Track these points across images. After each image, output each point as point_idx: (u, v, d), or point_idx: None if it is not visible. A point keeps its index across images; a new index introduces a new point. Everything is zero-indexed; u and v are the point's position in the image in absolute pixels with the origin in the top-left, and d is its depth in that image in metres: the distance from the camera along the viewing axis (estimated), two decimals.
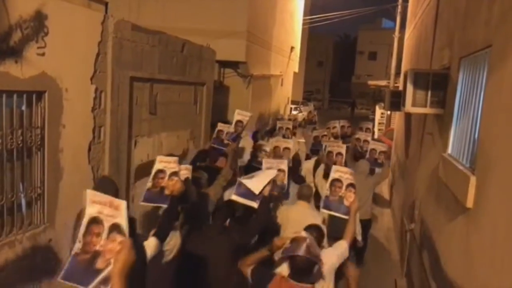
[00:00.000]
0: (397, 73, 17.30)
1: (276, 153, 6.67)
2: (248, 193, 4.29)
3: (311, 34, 31.32)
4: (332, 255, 3.74)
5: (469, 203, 3.15)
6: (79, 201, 4.93)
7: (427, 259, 4.79)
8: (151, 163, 6.50)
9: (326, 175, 5.59)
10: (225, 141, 5.59)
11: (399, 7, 18.93)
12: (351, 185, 4.42)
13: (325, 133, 9.12)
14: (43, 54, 4.11)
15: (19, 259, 4.14)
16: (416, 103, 4.84)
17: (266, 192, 4.20)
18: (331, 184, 4.47)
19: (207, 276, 3.86)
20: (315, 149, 8.34)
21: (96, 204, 2.44)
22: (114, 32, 5.18)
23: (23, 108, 4.12)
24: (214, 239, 3.98)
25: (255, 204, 4.20)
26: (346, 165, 6.30)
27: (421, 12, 8.08)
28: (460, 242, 3.43)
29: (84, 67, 4.83)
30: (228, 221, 4.18)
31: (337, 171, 4.54)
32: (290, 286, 3.17)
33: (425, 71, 5.03)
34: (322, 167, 6.39)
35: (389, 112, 17.46)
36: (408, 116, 8.64)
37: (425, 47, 6.92)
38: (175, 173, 4.48)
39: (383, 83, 22.24)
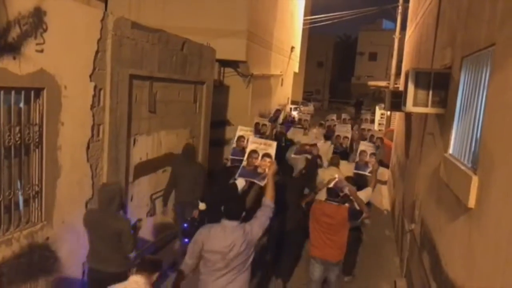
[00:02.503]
0: (397, 74, 17.28)
1: (302, 150, 7.83)
2: (251, 174, 5.02)
3: (312, 34, 31.32)
4: (361, 193, 5.85)
5: (471, 203, 3.12)
6: (77, 199, 4.91)
7: (428, 260, 4.76)
8: (150, 161, 6.51)
9: (334, 154, 8.32)
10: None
11: (400, 7, 18.90)
12: (373, 154, 7.11)
13: (336, 122, 12.07)
14: (41, 51, 4.08)
15: (16, 257, 4.11)
16: (417, 102, 4.81)
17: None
18: (360, 153, 7.14)
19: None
20: (328, 135, 10.38)
21: (254, 143, 5.12)
22: (113, 29, 5.15)
23: (21, 105, 4.08)
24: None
25: (262, 183, 4.83)
26: (352, 147, 9.03)
27: (422, 11, 8.05)
28: (461, 243, 3.40)
29: (83, 64, 4.80)
30: None
31: (362, 145, 7.42)
32: (325, 204, 5.30)
33: (427, 70, 5.00)
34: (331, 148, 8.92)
35: (389, 113, 17.44)
36: (408, 116, 8.61)
37: (426, 46, 6.89)
38: (267, 155, 5.11)
39: (383, 83, 22.22)
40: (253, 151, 5.20)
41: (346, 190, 5.48)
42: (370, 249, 8.00)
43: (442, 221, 4.23)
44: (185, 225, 5.98)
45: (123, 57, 5.40)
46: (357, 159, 7.29)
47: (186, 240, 4.65)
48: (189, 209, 6.38)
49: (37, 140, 4.28)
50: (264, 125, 9.57)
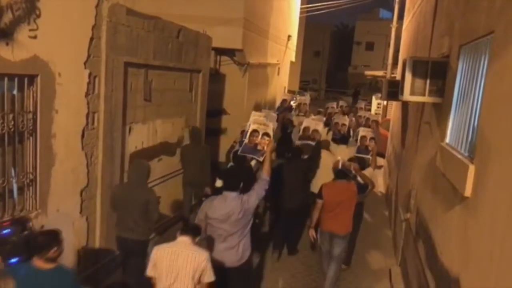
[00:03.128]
0: (394, 64, 17.23)
1: (305, 133, 8.71)
2: (252, 150, 6.00)
3: (309, 23, 31.10)
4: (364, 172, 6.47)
5: (467, 192, 3.11)
6: (72, 187, 4.89)
7: (423, 249, 4.77)
8: (145, 150, 6.48)
9: (333, 140, 8.68)
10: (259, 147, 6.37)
11: None
12: (372, 138, 8.16)
13: (337, 110, 12.79)
14: (35, 37, 4.02)
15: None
16: (414, 91, 4.79)
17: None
18: (361, 139, 8.24)
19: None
20: (327, 122, 10.87)
21: (256, 124, 5.96)
22: (108, 16, 5.08)
23: (15, 92, 4.04)
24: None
25: (260, 159, 5.77)
26: (349, 133, 9.68)
27: (420, 0, 8.00)
28: (457, 232, 3.41)
29: (77, 51, 4.74)
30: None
31: (362, 131, 8.49)
32: (335, 183, 5.83)
33: (424, 59, 4.97)
34: (330, 134, 9.37)
35: (385, 103, 17.42)
36: (405, 105, 8.60)
37: (424, 35, 6.86)
38: (266, 134, 6.08)
39: (380, 73, 22.18)
40: (254, 130, 6.09)
41: (352, 168, 6.17)
42: (365, 237, 8.02)
43: (438, 210, 4.23)
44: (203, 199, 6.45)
45: (118, 44, 5.34)
46: (358, 143, 8.21)
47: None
48: (198, 188, 7.04)
49: (31, 127, 4.24)
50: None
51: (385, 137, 13.26)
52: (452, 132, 4.13)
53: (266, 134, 6.16)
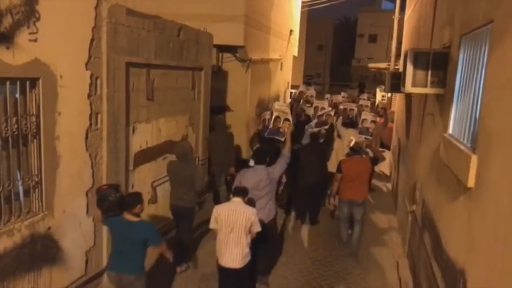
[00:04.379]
0: (398, 55, 17.12)
1: (319, 122, 9.73)
2: (276, 133, 7.49)
3: (311, 17, 30.97)
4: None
5: (471, 182, 3.11)
6: (77, 188, 4.92)
7: (429, 240, 4.77)
8: (150, 149, 6.51)
9: (343, 124, 9.58)
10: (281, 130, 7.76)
11: None
12: (373, 121, 9.12)
13: (341, 100, 14.17)
14: (35, 40, 4.04)
15: (18, 247, 4.14)
16: (416, 83, 4.77)
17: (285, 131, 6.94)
18: (362, 121, 9.10)
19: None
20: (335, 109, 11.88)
21: (277, 112, 7.50)
22: (108, 17, 5.09)
23: (17, 95, 4.06)
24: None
25: (282, 139, 7.09)
26: (355, 117, 10.55)
27: None
28: (461, 222, 3.40)
29: (78, 53, 4.75)
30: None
31: (364, 114, 9.34)
32: (352, 159, 6.98)
33: (425, 50, 4.95)
34: (340, 119, 9.97)
35: (389, 95, 17.33)
36: (408, 97, 8.56)
37: (425, 27, 6.82)
38: (287, 119, 7.49)
39: (383, 65, 22.01)
40: (277, 117, 7.67)
41: (364, 145, 7.62)
42: (372, 230, 8.03)
43: (442, 201, 4.22)
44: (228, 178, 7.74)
45: (119, 44, 5.35)
46: (360, 125, 9.25)
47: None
48: (225, 168, 8.22)
49: (34, 130, 4.26)
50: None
51: (390, 129, 13.22)
52: (454, 123, 4.11)
53: (286, 119, 7.68)
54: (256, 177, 5.61)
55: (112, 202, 4.33)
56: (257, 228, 4.87)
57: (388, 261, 6.78)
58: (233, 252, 4.81)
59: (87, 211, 5.11)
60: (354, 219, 6.97)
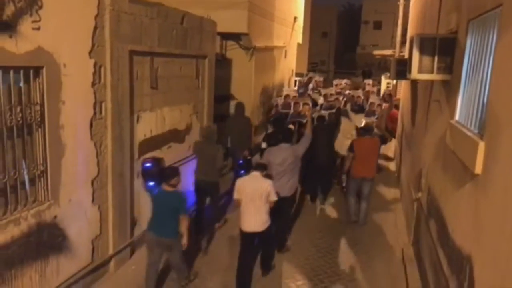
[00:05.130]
0: (403, 42, 16.93)
1: (328, 106, 11.20)
2: (297, 116, 9.23)
3: (315, 4, 30.68)
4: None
5: (478, 169, 3.08)
6: (83, 177, 4.93)
7: (434, 228, 4.75)
8: (154, 138, 6.50)
9: (352, 109, 10.44)
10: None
11: None
12: (379, 105, 10.75)
13: (344, 85, 16.10)
14: (38, 28, 4.01)
15: (25, 236, 4.16)
16: (422, 69, 4.71)
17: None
18: (370, 105, 10.70)
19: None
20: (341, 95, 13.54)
21: (288, 92, 11.59)
22: (111, 4, 5.05)
23: (21, 84, 4.05)
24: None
25: (304, 121, 8.65)
26: (363, 104, 11.83)
27: None
28: (468, 209, 3.38)
29: (81, 41, 4.73)
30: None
31: (371, 98, 11.23)
32: (362, 139, 7.66)
33: (432, 36, 4.88)
34: (349, 105, 11.13)
35: (395, 82, 17.20)
36: (414, 84, 8.49)
37: (431, 12, 6.72)
38: (306, 103, 9.55)
39: (388, 52, 21.79)
40: (296, 103, 9.35)
41: (373, 126, 8.64)
42: (378, 218, 8.03)
43: (448, 189, 4.20)
44: (241, 161, 7.86)
45: (122, 32, 5.32)
46: (367, 109, 10.58)
47: (242, 171, 6.40)
48: (240, 151, 8.53)
49: (39, 119, 4.26)
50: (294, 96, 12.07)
51: (395, 116, 13.14)
52: (461, 109, 4.07)
53: (305, 103, 9.52)
54: (282, 154, 6.28)
55: (153, 173, 5.22)
56: (273, 197, 5.47)
57: (394, 248, 6.78)
58: (254, 218, 5.43)
59: (93, 200, 5.13)
60: (362, 196, 7.61)
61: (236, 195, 5.53)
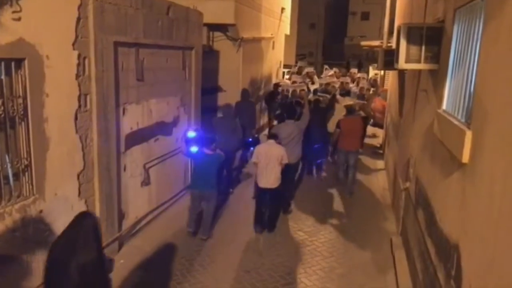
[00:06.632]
0: (390, 33, 16.94)
1: (324, 89, 13.58)
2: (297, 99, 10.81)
3: None
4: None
5: (465, 158, 3.09)
6: (68, 171, 4.86)
7: (422, 217, 4.78)
8: (141, 131, 6.43)
9: (340, 94, 12.54)
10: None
11: None
12: (368, 89, 14.31)
13: (332, 73, 18.66)
14: (19, 19, 3.91)
15: (10, 231, 4.09)
16: (409, 59, 4.70)
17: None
18: (360, 89, 14.11)
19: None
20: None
21: (294, 85, 13.68)
22: None
23: (2, 77, 3.95)
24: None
25: (302, 102, 9.54)
26: (350, 90, 14.14)
27: None
28: (455, 198, 3.39)
29: (65, 32, 4.63)
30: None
31: (361, 83, 15.00)
32: (347, 118, 8.98)
33: (419, 25, 4.87)
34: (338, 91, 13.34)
35: (382, 73, 17.25)
36: (401, 74, 8.51)
37: (418, 1, 6.71)
38: (303, 90, 12.18)
39: (376, 43, 21.79)
40: (294, 90, 11.97)
41: (357, 107, 10.23)
42: (366, 208, 8.07)
43: (436, 178, 4.22)
44: (250, 140, 8.72)
45: (106, 23, 5.22)
46: (358, 92, 13.32)
47: (252, 148, 7.68)
48: (249, 130, 9.87)
49: (22, 112, 4.17)
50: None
51: (383, 107, 13.18)
52: (448, 98, 4.07)
53: (302, 90, 12.17)
54: (288, 129, 7.63)
55: (194, 140, 6.46)
56: (285, 160, 6.74)
57: (382, 238, 6.82)
58: (269, 177, 6.69)
59: (79, 194, 5.06)
60: (349, 165, 8.80)
61: (254, 159, 6.80)
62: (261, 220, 6.90)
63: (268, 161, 6.61)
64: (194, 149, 6.43)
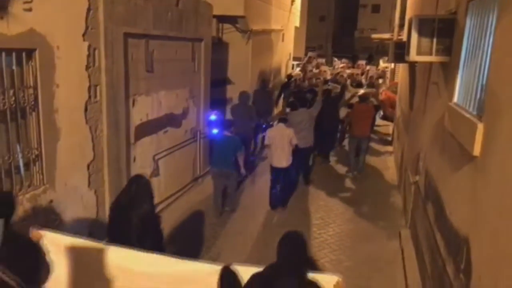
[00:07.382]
0: (401, 25, 16.77)
1: (333, 79, 14.56)
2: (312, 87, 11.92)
3: None
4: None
5: (476, 151, 3.05)
6: (78, 161, 4.89)
7: (432, 210, 4.75)
8: (150, 122, 6.45)
9: (351, 85, 13.40)
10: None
11: None
12: (377, 78, 16.39)
13: (342, 64, 20.72)
14: (30, 10, 3.93)
15: (20, 220, 4.12)
16: (421, 51, 4.64)
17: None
18: (370, 78, 16.21)
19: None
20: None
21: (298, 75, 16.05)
22: None
23: (14, 67, 3.98)
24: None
25: (317, 89, 10.31)
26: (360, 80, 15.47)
27: None
28: (466, 192, 3.36)
29: (75, 23, 4.65)
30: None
31: (370, 72, 18.17)
32: (360, 104, 9.73)
33: (431, 17, 4.80)
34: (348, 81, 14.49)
35: (393, 66, 17.11)
36: (412, 67, 8.42)
37: None
38: (318, 78, 13.77)
39: (386, 36, 21.61)
40: (310, 78, 13.65)
41: (370, 95, 10.92)
42: (375, 200, 8.04)
43: (446, 171, 4.18)
44: (264, 126, 9.68)
45: (116, 14, 5.23)
46: (367, 81, 14.37)
47: (263, 133, 8.60)
48: (265, 117, 10.38)
49: (32, 103, 4.20)
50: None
51: (393, 100, 13.10)
52: (460, 91, 4.03)
53: (318, 78, 13.02)
54: (301, 116, 8.07)
55: (215, 122, 7.59)
56: (295, 141, 7.26)
57: (391, 231, 6.80)
58: (281, 157, 7.27)
59: (89, 184, 5.10)
60: (361, 149, 9.48)
61: (267, 141, 7.41)
62: (275, 198, 7.53)
63: (280, 142, 7.19)
64: (215, 130, 7.42)
